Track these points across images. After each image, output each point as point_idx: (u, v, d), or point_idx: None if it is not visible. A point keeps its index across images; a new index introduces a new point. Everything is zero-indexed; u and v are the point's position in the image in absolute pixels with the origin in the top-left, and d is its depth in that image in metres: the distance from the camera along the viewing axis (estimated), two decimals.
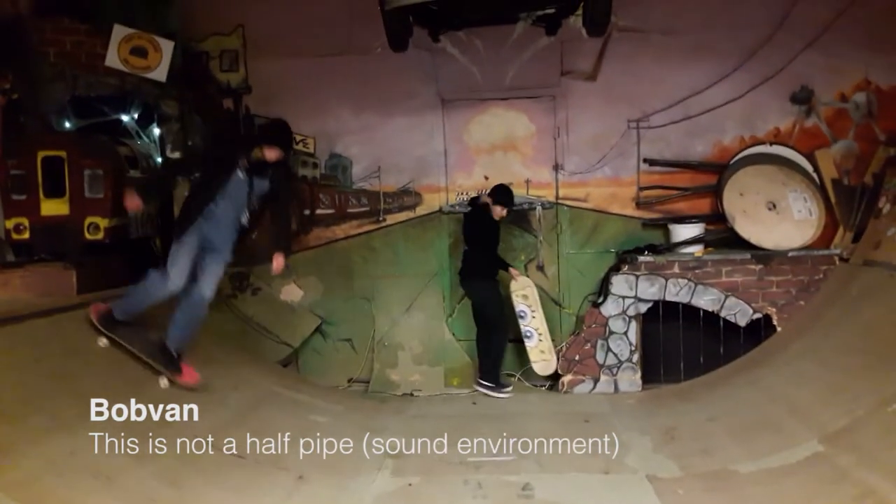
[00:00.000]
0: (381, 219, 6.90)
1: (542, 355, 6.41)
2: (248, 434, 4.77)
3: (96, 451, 3.83)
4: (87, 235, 5.78)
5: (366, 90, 6.76)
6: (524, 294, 6.42)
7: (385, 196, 6.89)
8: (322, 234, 6.92)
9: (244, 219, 4.94)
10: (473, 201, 6.48)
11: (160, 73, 6.22)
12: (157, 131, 6.74)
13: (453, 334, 6.84)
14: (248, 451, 4.52)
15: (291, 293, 6.87)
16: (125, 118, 6.68)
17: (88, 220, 5.79)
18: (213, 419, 4.83)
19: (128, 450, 3.97)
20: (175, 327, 4.92)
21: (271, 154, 4.86)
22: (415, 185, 6.88)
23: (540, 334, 6.42)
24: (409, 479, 4.34)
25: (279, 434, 4.89)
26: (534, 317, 6.44)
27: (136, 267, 6.41)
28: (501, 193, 6.27)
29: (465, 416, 5.75)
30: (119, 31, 6.07)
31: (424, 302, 6.87)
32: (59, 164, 5.66)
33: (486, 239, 6.29)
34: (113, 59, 6.11)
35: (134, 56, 6.15)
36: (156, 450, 4.12)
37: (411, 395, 6.52)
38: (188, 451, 4.29)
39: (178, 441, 4.32)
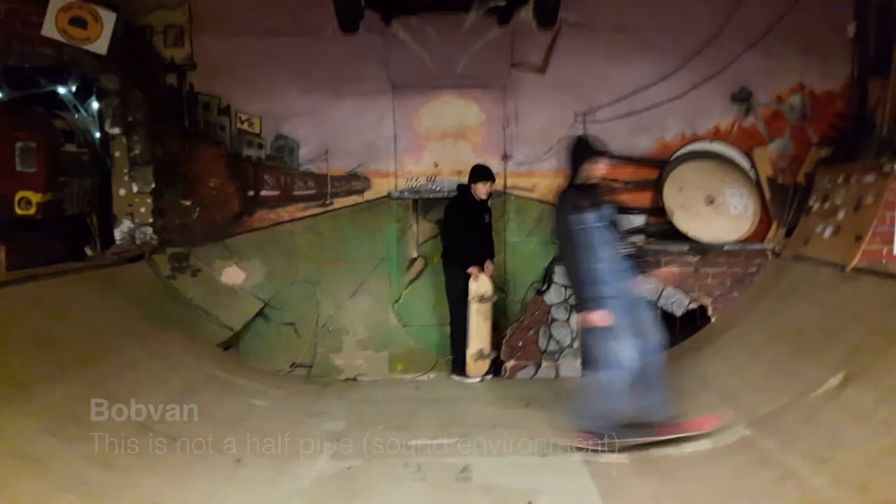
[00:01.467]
0: (328, 202, 6.82)
1: (475, 364, 6.33)
2: (185, 416, 4.73)
3: (23, 434, 3.73)
4: (18, 210, 5.55)
5: (315, 72, 6.65)
6: (481, 295, 6.29)
7: (333, 179, 6.80)
8: (266, 216, 6.79)
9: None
10: (459, 187, 6.46)
11: (100, 46, 5.96)
12: (95, 105, 6.49)
13: (399, 319, 6.84)
14: (184, 435, 4.45)
15: (233, 276, 6.73)
16: (62, 90, 6.42)
17: (19, 194, 5.57)
18: (149, 402, 4.72)
19: (58, 433, 3.88)
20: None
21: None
22: (363, 169, 6.81)
23: (481, 349, 6.30)
24: (349, 462, 4.35)
25: (217, 417, 4.91)
26: (485, 321, 6.33)
27: (71, 245, 6.25)
28: (472, 171, 6.29)
29: (408, 401, 5.78)
30: (57, 0, 5.79)
31: (371, 287, 6.84)
32: None
33: (456, 224, 6.33)
34: (50, 29, 5.82)
35: (73, 26, 5.87)
36: (87, 432, 4.04)
37: (355, 379, 6.51)
38: (122, 434, 4.22)
39: (112, 423, 4.26)
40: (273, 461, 4.30)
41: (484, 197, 6.29)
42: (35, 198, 5.64)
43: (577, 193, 4.60)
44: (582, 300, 4.46)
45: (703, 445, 4.33)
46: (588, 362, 4.79)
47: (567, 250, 4.55)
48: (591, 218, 4.47)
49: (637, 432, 4.35)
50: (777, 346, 5.26)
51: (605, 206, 4.60)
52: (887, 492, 3.23)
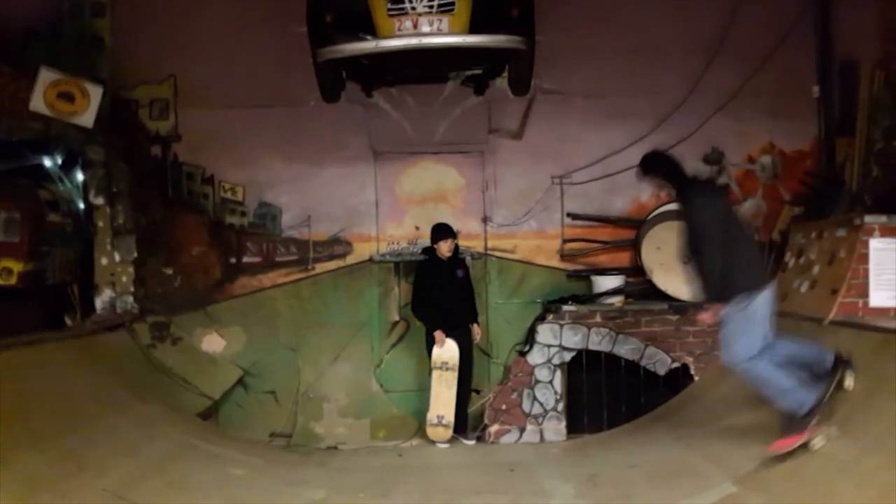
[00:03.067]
0: (310, 267, 6.87)
1: (435, 430, 6.25)
2: (161, 486, 4.61)
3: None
4: None
5: (297, 141, 6.83)
6: (444, 362, 6.22)
7: (315, 244, 6.88)
8: (248, 283, 6.82)
9: None
10: (424, 251, 6.51)
11: (87, 119, 6.12)
12: (80, 176, 6.60)
13: (381, 385, 6.78)
14: (160, 503, 4.33)
15: (213, 343, 6.69)
16: (48, 162, 6.54)
17: (1, 263, 5.59)
18: (125, 470, 4.63)
19: (30, 500, 3.78)
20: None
21: None
22: (346, 233, 6.90)
23: (440, 415, 6.21)
24: None
25: (194, 487, 4.79)
26: (447, 389, 6.23)
27: (52, 314, 6.23)
28: (432, 231, 6.34)
29: (391, 469, 5.66)
30: (46, 76, 5.95)
31: (352, 352, 6.81)
32: None
33: (421, 286, 6.37)
34: (38, 104, 5.98)
35: (61, 101, 6.04)
36: (61, 502, 3.92)
37: (335, 447, 6.40)
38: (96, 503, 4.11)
39: (86, 492, 4.15)
40: None
41: (448, 254, 6.31)
42: (17, 267, 5.66)
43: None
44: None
45: None
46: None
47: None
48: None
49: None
50: (759, 402, 5.22)
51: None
52: None
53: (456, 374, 6.23)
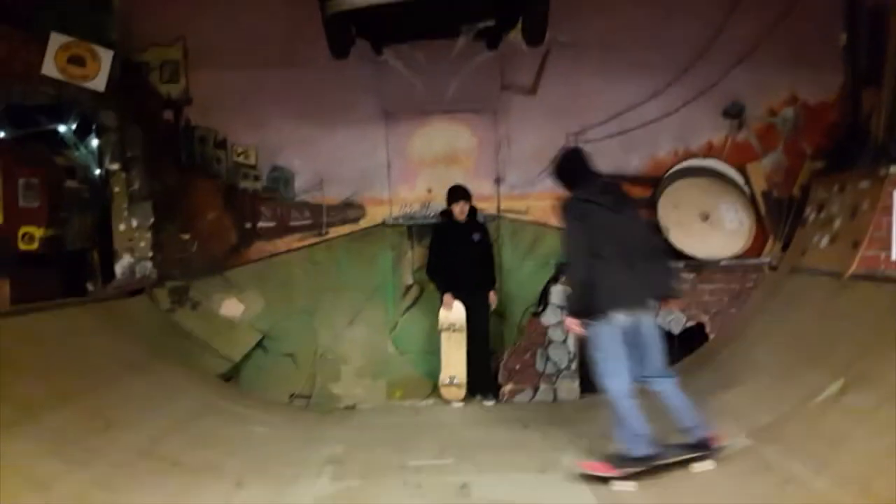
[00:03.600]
0: (323, 232, 6.87)
1: (448, 390, 6.36)
2: (185, 442, 4.72)
3: (29, 457, 3.73)
4: (21, 245, 5.62)
5: (308, 103, 6.77)
6: (451, 323, 6.28)
7: (328, 209, 6.87)
8: (263, 248, 6.84)
9: None
10: (441, 213, 6.48)
11: (99, 83, 6.11)
12: (95, 142, 6.62)
13: (396, 347, 6.83)
14: (184, 459, 4.44)
15: (232, 308, 6.75)
16: (62, 128, 6.57)
17: (23, 229, 5.66)
18: (149, 428, 4.75)
19: (61, 456, 3.88)
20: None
21: None
22: (358, 197, 6.88)
23: (452, 376, 6.30)
24: (348, 482, 4.31)
25: (217, 443, 4.90)
26: (456, 350, 6.29)
27: (73, 280, 6.31)
28: (448, 192, 6.31)
29: (407, 426, 5.75)
30: (56, 39, 5.94)
31: (367, 315, 6.85)
32: None
33: (435, 249, 6.38)
34: (49, 68, 5.98)
35: (72, 65, 6.03)
36: (90, 457, 4.03)
37: (353, 407, 6.47)
38: (124, 459, 4.21)
39: (113, 448, 4.26)
40: (273, 483, 4.28)
41: (461, 218, 6.28)
42: (38, 233, 5.73)
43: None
44: None
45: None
46: None
47: None
48: None
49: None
50: (777, 357, 5.21)
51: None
52: (891, 491, 3.16)
53: (464, 335, 6.27)
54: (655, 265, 4.30)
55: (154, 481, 4.07)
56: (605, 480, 4.04)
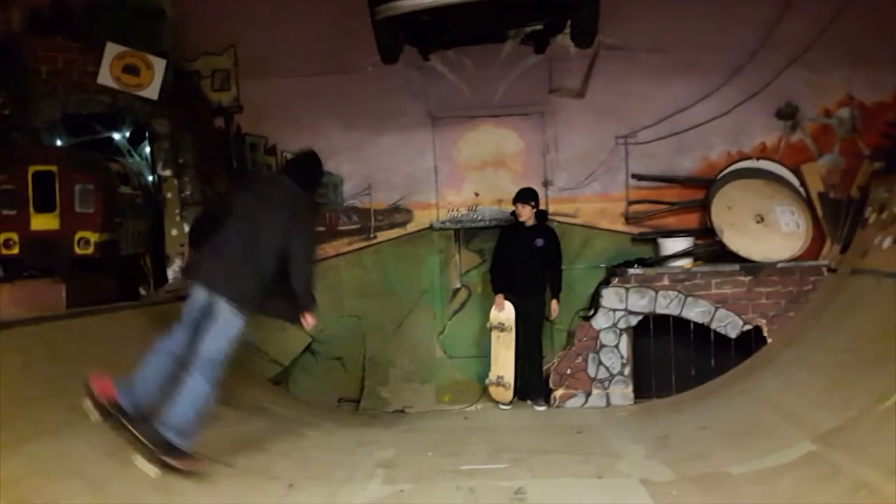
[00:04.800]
0: (371, 236, 6.91)
1: (496, 391, 6.39)
2: (238, 445, 4.76)
3: (84, 456, 3.79)
4: (77, 250, 5.74)
5: (356, 108, 6.83)
6: (500, 323, 6.30)
7: (376, 213, 6.91)
8: None
9: None
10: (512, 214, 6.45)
11: (152, 91, 6.26)
12: (148, 149, 6.77)
13: (444, 351, 6.80)
14: (237, 462, 4.47)
15: None
16: (116, 136, 6.73)
17: (79, 234, 5.76)
18: (203, 431, 4.77)
19: (116, 456, 3.94)
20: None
21: None
22: (405, 202, 6.91)
23: (500, 376, 6.31)
24: (400, 486, 4.28)
25: (268, 446, 4.92)
26: (505, 350, 6.30)
27: (126, 285, 6.44)
28: (517, 194, 6.28)
29: (457, 430, 5.72)
30: (111, 49, 6.11)
31: (415, 319, 6.85)
32: (49, 179, 5.63)
33: (495, 250, 6.41)
34: (105, 77, 6.15)
35: (126, 74, 6.20)
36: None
37: (402, 411, 6.46)
38: None
39: None
40: (325, 486, 4.27)
41: (524, 219, 6.25)
42: (93, 237, 5.83)
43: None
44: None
45: (764, 463, 4.13)
46: None
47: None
48: None
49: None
50: (839, 360, 5.03)
51: None
52: None
53: (512, 335, 6.24)
54: (258, 271, 4.10)
55: (208, 483, 4.07)
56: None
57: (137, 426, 3.90)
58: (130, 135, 6.80)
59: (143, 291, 6.68)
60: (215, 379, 4.09)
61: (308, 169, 4.67)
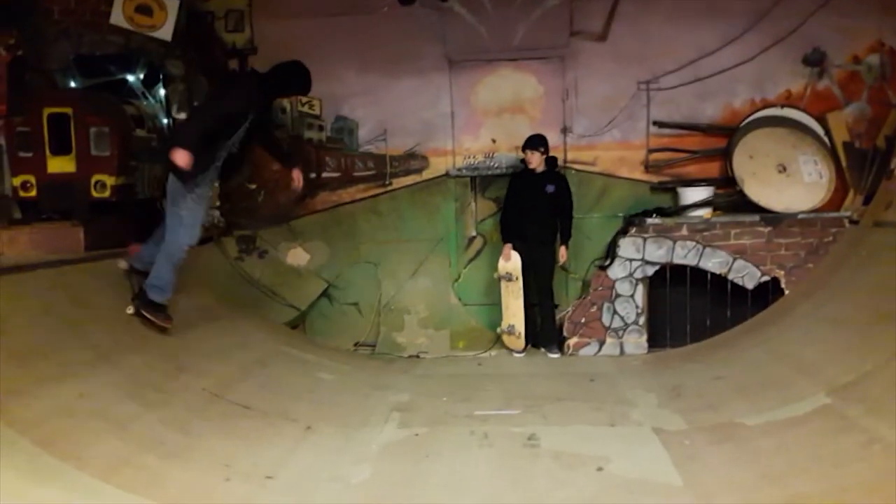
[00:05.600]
0: (387, 182, 6.86)
1: (507, 339, 6.46)
2: (255, 387, 4.85)
3: (106, 398, 3.88)
4: (94, 193, 5.75)
5: (372, 51, 6.69)
6: (507, 272, 6.30)
7: (391, 159, 6.84)
8: (328, 198, 6.88)
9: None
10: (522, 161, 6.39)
11: (165, 32, 6.15)
12: (162, 92, 6.69)
13: (459, 298, 6.83)
14: (255, 404, 4.56)
15: (298, 257, 6.86)
16: (131, 78, 6.63)
17: (95, 177, 5.76)
18: (220, 373, 4.89)
19: (137, 398, 4.03)
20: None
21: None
22: (421, 148, 6.82)
23: (512, 324, 6.35)
24: (415, 429, 4.37)
25: (285, 389, 5.02)
26: (514, 300, 6.32)
27: (143, 227, 6.45)
28: (526, 140, 6.20)
29: (472, 376, 5.77)
30: None
31: (430, 266, 6.85)
32: (65, 122, 5.61)
33: (506, 197, 6.37)
34: (118, 17, 6.05)
35: (139, 14, 6.08)
36: (165, 399, 4.18)
37: (417, 356, 6.53)
38: (197, 402, 4.35)
39: (187, 391, 4.41)
40: (341, 428, 4.36)
41: (534, 166, 6.17)
42: (109, 181, 5.83)
43: (260, 93, 4.94)
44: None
45: (778, 415, 4.15)
46: None
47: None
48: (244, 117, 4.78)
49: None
50: (857, 314, 5.00)
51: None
52: None
53: (520, 285, 6.24)
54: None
55: (226, 424, 4.20)
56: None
57: (136, 280, 5.03)
58: (145, 77, 6.69)
59: None
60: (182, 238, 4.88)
61: (275, 72, 5.07)
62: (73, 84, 6.39)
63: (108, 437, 3.57)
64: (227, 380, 4.83)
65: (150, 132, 6.43)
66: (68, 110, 5.62)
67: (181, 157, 4.47)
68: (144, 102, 6.70)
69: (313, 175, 6.86)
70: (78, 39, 6.08)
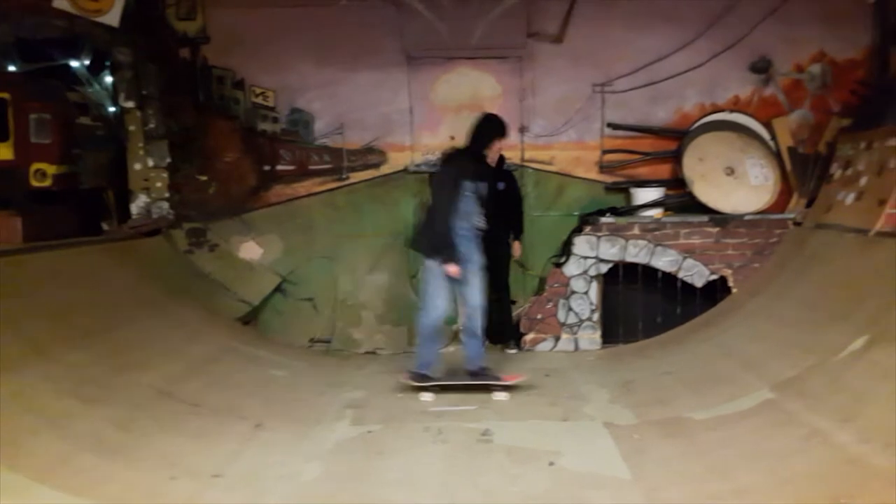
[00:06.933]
0: (344, 176, 6.78)
1: None
2: (204, 384, 4.74)
3: (43, 394, 3.73)
4: (33, 182, 5.55)
5: (330, 44, 6.60)
6: None
7: (349, 153, 6.77)
8: (282, 191, 6.77)
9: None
10: None
11: (112, 18, 5.88)
12: (109, 79, 6.48)
13: (418, 294, 6.80)
14: (203, 401, 4.46)
15: (250, 250, 6.72)
16: (75, 64, 6.42)
17: (35, 166, 5.57)
18: (168, 370, 4.76)
19: (78, 395, 3.89)
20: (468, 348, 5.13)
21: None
22: (379, 142, 6.77)
23: None
24: (369, 427, 4.32)
25: (236, 385, 4.92)
26: None
27: (88, 219, 6.25)
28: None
29: None
30: None
31: (389, 261, 6.80)
32: (2, 107, 5.41)
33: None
34: (61, 1, 5.80)
35: None
36: (108, 396, 4.05)
37: (374, 353, 6.48)
38: (142, 399, 4.23)
39: (132, 388, 4.28)
40: (293, 426, 4.30)
41: (492, 160, 6.15)
42: (50, 170, 5.64)
43: (469, 161, 4.93)
44: (441, 251, 4.81)
45: (724, 409, 4.27)
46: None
47: (440, 206, 4.86)
48: (469, 187, 4.83)
49: (454, 378, 5.09)
50: (800, 312, 5.18)
51: (483, 182, 4.99)
52: None
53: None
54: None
55: (173, 422, 4.10)
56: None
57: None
58: (90, 63, 6.48)
59: (105, 226, 6.50)
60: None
61: (472, 132, 5.08)
62: (12, 68, 6.14)
63: (45, 435, 3.44)
64: (175, 376, 4.71)
65: (95, 120, 6.26)
66: (6, 95, 5.42)
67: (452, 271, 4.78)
68: (89, 89, 6.51)
69: (267, 168, 6.74)
70: (18, 22, 5.82)
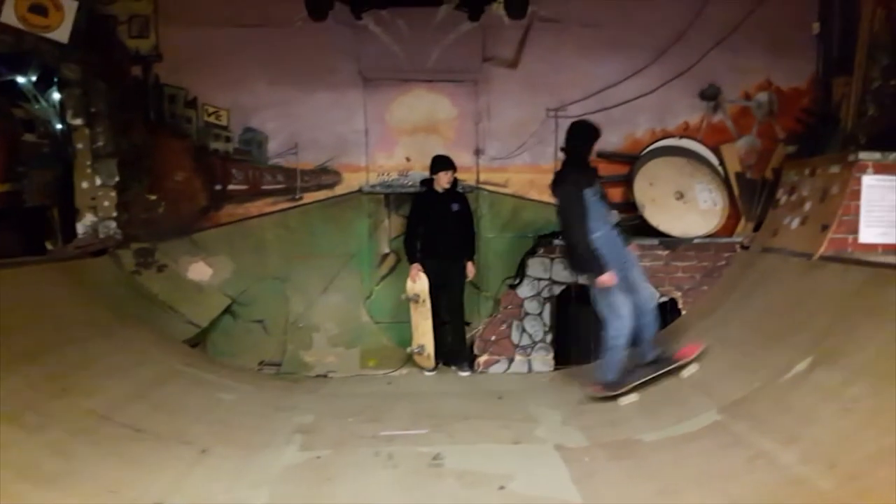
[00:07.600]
0: (297, 196, 6.73)
1: (418, 358, 6.44)
2: (149, 409, 4.60)
3: None
4: None
5: (284, 64, 6.57)
6: (416, 294, 6.26)
7: (302, 173, 6.72)
8: (234, 211, 6.68)
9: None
10: (423, 182, 6.41)
11: (61, 34, 5.81)
12: (56, 96, 6.33)
13: (371, 316, 6.76)
14: (147, 426, 4.32)
15: (199, 271, 6.60)
16: (21, 80, 6.26)
17: None
18: (111, 393, 4.60)
19: (15, 421, 3.73)
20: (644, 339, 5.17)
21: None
22: (334, 163, 6.74)
23: (422, 345, 6.33)
24: (318, 452, 4.26)
25: (182, 410, 4.78)
26: (423, 320, 6.31)
27: (31, 238, 6.07)
28: (433, 161, 6.23)
29: (380, 396, 5.70)
30: None
31: (342, 283, 6.75)
32: None
33: (411, 218, 6.35)
34: (8, 16, 5.66)
35: (32, 14, 5.72)
36: (46, 422, 3.89)
37: (325, 376, 6.38)
38: (83, 424, 4.08)
39: (72, 413, 4.12)
40: (240, 451, 4.20)
41: (445, 187, 6.22)
42: None
43: (577, 172, 5.02)
44: (589, 267, 4.92)
45: (673, 431, 4.32)
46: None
47: (572, 224, 4.95)
48: (589, 193, 4.93)
49: (642, 373, 5.09)
50: (747, 334, 5.28)
51: (598, 182, 5.13)
52: (855, 466, 3.23)
53: (427, 306, 6.23)
54: None
55: (114, 448, 3.96)
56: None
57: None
58: (37, 79, 6.32)
59: (49, 246, 6.31)
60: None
61: (569, 142, 5.20)
62: None
63: None
64: (119, 400, 4.55)
65: (41, 137, 6.10)
66: None
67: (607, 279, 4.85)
68: (36, 106, 6.34)
69: (219, 187, 6.64)
70: None
